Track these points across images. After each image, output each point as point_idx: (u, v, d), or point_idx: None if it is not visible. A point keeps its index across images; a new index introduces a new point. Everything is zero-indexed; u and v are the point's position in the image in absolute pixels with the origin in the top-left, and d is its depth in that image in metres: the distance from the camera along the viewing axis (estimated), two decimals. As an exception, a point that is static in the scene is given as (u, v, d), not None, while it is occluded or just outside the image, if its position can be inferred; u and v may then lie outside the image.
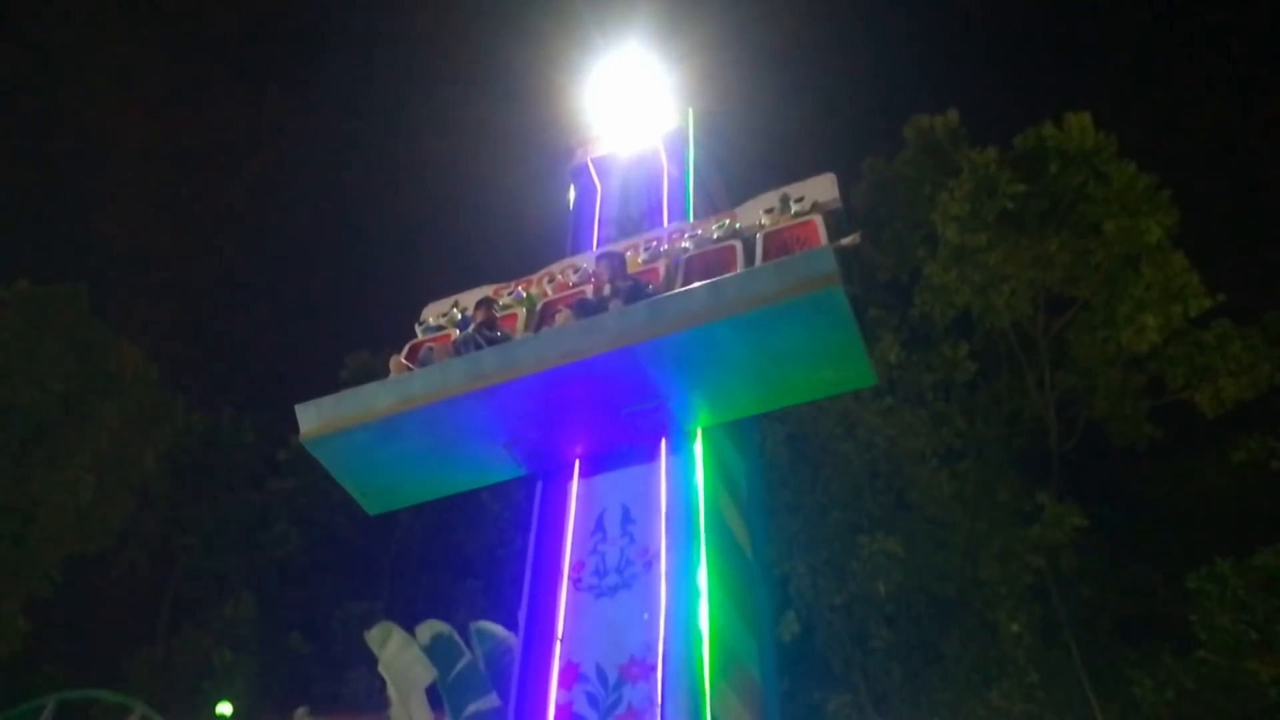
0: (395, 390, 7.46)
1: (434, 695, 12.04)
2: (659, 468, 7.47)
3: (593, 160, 11.10)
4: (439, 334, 8.82)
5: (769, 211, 8.37)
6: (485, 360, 7.29)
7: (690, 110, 11.16)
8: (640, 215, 10.32)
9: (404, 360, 8.00)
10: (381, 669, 12.40)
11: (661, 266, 8.39)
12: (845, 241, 7.39)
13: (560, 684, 6.84)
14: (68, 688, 18.23)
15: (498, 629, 12.09)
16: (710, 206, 10.78)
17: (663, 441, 7.53)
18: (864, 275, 19.72)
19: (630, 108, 11.45)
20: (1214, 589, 14.18)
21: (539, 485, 7.97)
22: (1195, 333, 17.73)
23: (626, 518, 7.38)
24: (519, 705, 7.05)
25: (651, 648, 6.73)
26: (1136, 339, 17.84)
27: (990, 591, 16.70)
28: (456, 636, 12.33)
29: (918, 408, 18.43)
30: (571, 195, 11.22)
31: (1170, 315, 17.48)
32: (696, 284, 7.23)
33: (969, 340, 19.43)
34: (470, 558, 24.09)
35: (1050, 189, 18.52)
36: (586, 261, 8.97)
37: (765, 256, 7.79)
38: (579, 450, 7.75)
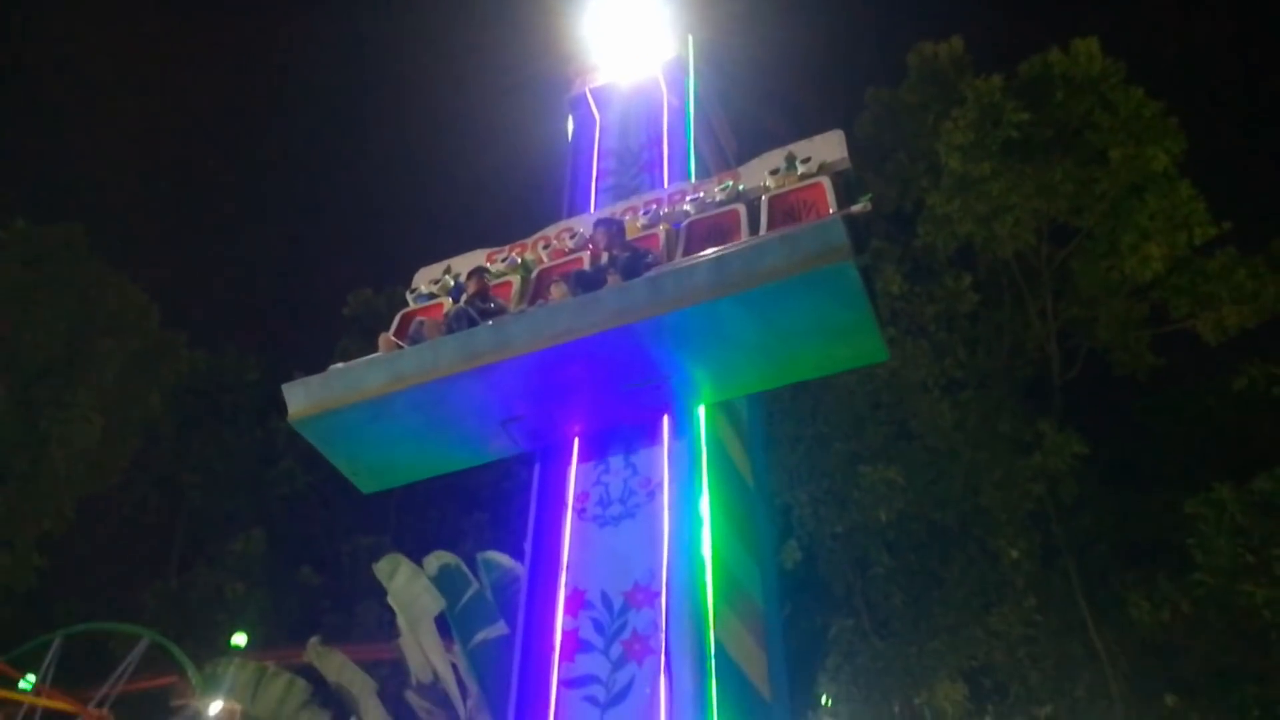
0: (385, 369, 7.18)
1: (443, 624, 12.29)
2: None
3: (591, 91, 10.91)
4: (431, 303, 8.54)
5: (774, 173, 7.99)
6: (478, 338, 7.00)
7: (690, 38, 10.96)
8: (639, 147, 10.16)
9: (393, 338, 7.63)
10: (390, 600, 12.66)
11: (661, 233, 8.04)
12: (855, 208, 6.97)
13: (566, 611, 6.96)
14: (81, 622, 18.62)
15: (504, 559, 12.29)
16: (713, 141, 10.57)
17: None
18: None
19: (629, 36, 11.23)
20: (1212, 514, 14.32)
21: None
22: (1199, 261, 17.68)
23: (629, 465, 7.38)
24: (526, 632, 7.15)
25: (655, 574, 6.84)
26: (1140, 268, 17.79)
27: (990, 519, 16.90)
28: (464, 567, 12.55)
29: (920, 339, 18.44)
30: (570, 126, 11.04)
31: (1175, 243, 17.40)
32: (699, 257, 6.91)
33: (972, 271, 19.36)
34: (476, 490, 24.34)
35: (1055, 117, 18.27)
36: (583, 225, 8.62)
37: (770, 222, 7.45)
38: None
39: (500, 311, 7.68)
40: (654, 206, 8.40)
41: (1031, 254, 19.30)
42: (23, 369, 20.79)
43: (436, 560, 12.61)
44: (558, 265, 8.28)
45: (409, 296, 8.73)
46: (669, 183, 9.32)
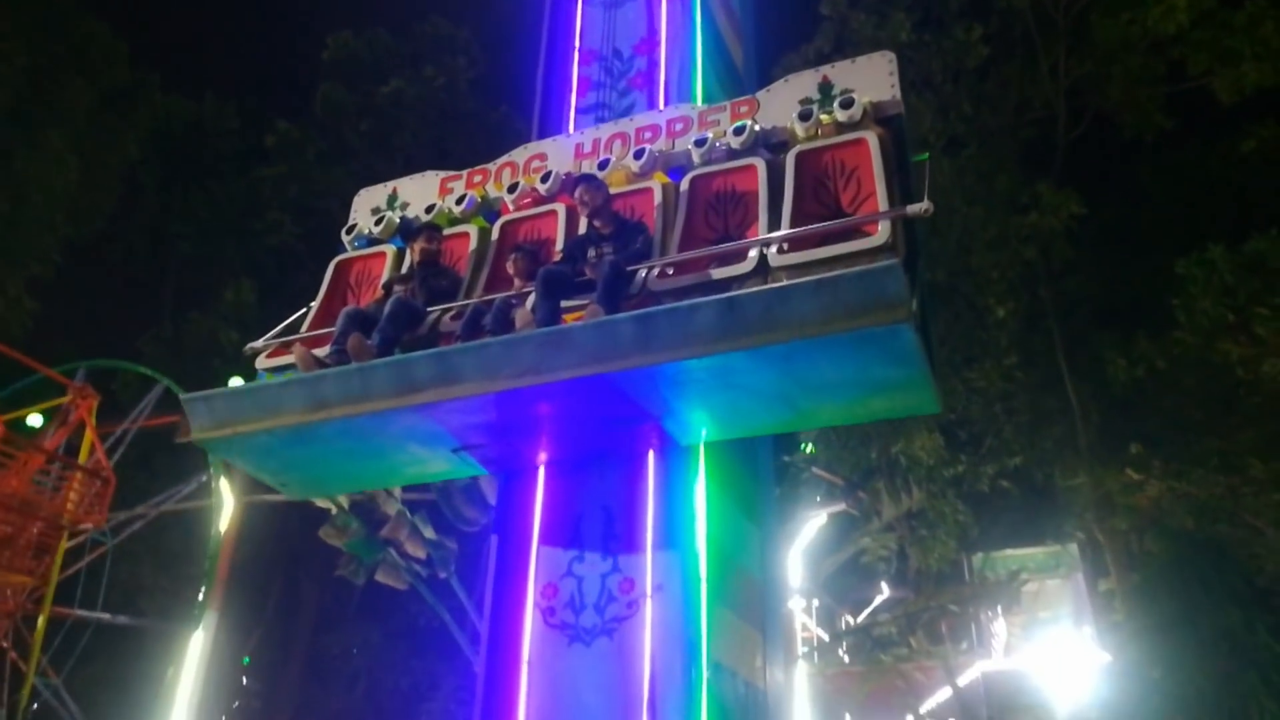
0: (304, 394, 5.73)
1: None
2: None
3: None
4: (372, 251, 7.10)
5: (805, 106, 6.19)
6: (417, 370, 5.50)
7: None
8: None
9: (313, 354, 6.02)
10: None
11: (656, 189, 6.35)
12: (915, 209, 5.20)
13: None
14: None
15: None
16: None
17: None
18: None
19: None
20: (1201, 274, 14.35)
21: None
22: (1226, 13, 16.83)
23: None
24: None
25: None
26: (1164, 20, 16.95)
27: (981, 278, 16.95)
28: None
29: (924, 92, 17.78)
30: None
31: (1202, -7, 16.51)
32: (702, 300, 5.08)
33: (983, 22, 18.41)
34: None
35: None
36: (557, 154, 6.99)
37: (798, 190, 5.76)
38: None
39: (451, 292, 6.32)
40: (649, 137, 6.70)
41: (1049, 2, 18.33)
42: (-10, 110, 20.05)
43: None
44: (524, 221, 6.74)
45: (345, 238, 7.23)
46: (666, 102, 7.52)
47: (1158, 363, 15.40)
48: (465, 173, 7.20)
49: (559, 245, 6.35)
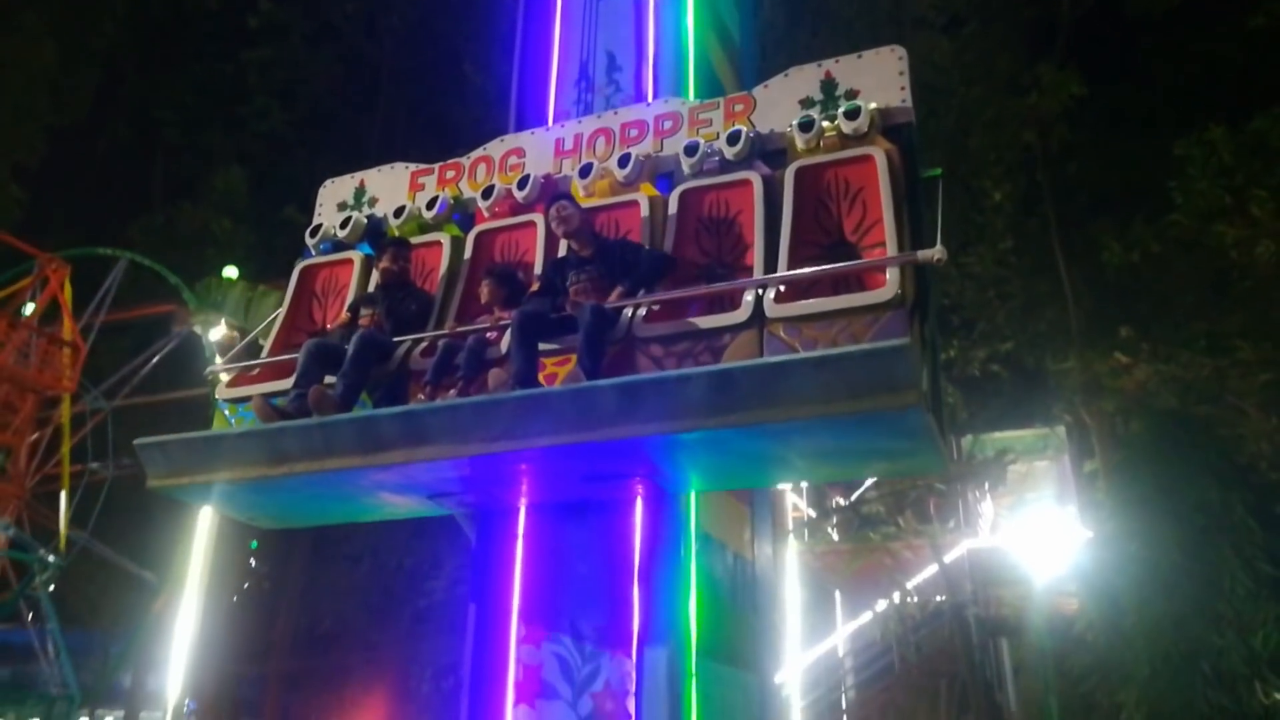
0: (263, 447, 5.32)
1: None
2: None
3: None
4: (338, 258, 6.60)
5: (806, 113, 5.60)
6: (383, 430, 5.11)
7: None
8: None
9: (271, 404, 5.53)
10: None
11: (644, 203, 5.80)
12: (926, 255, 4.66)
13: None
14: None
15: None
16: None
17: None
18: None
19: None
20: (1200, 154, 14.21)
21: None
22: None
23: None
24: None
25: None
26: (1174, -110, 16.31)
27: (978, 160, 16.78)
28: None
29: (927, -34, 17.26)
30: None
31: None
32: (692, 371, 4.68)
33: (992, -109, 17.72)
34: (455, 128, 23.81)
35: None
36: (535, 147, 6.46)
37: (798, 214, 5.23)
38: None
39: (421, 316, 5.88)
40: (635, 136, 6.14)
41: None
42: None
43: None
44: (501, 232, 6.23)
45: (310, 241, 6.69)
46: (654, 94, 6.80)
47: (1152, 246, 15.38)
48: (437, 167, 6.70)
49: (538, 259, 5.92)
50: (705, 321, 5.01)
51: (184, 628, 14.61)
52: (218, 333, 19.99)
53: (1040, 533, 12.41)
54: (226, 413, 6.03)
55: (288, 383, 5.60)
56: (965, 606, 17.24)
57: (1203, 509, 11.36)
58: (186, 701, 14.36)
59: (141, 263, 18.07)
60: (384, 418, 5.15)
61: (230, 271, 19.57)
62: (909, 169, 5.33)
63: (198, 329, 18.58)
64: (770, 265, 5.11)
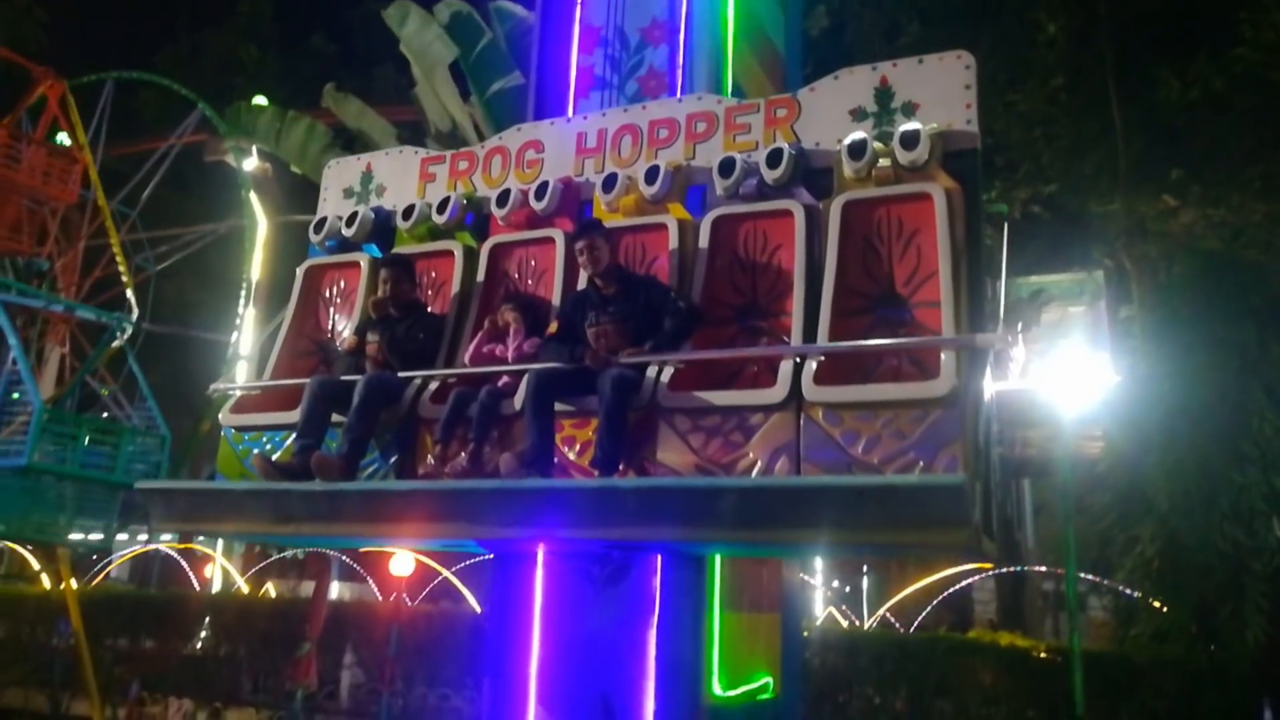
0: (267, 506, 5.16)
1: (458, 74, 12.15)
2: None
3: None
4: (345, 259, 6.23)
5: (856, 128, 4.97)
6: (388, 503, 4.91)
7: None
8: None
9: (273, 463, 5.27)
10: (403, 48, 12.38)
11: (673, 227, 5.25)
12: (987, 340, 4.19)
13: (580, 49, 6.59)
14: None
15: (517, 8, 11.79)
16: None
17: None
18: None
19: None
20: (1276, -19, 13.35)
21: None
22: None
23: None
24: (541, 73, 6.96)
25: (674, 11, 6.35)
26: None
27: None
28: (476, 16, 12.09)
29: None
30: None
31: None
32: (723, 483, 4.32)
33: None
34: None
35: None
36: (555, 141, 5.94)
37: (843, 258, 4.69)
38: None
39: (430, 349, 5.51)
40: (664, 137, 5.58)
41: None
42: None
43: (448, 8, 12.12)
44: (517, 246, 5.77)
45: (314, 237, 6.32)
46: (684, 89, 6.16)
47: (1214, 84, 14.66)
48: (449, 155, 6.28)
49: (556, 280, 5.51)
50: (738, 398, 4.60)
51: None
52: (251, 163, 19.96)
53: (1070, 376, 12.37)
54: (231, 440, 5.84)
55: (292, 415, 5.41)
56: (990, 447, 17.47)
57: (1239, 351, 11.25)
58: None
59: (172, 89, 17.80)
60: (392, 493, 4.98)
61: (259, 100, 19.32)
62: (971, 208, 4.66)
63: (230, 159, 18.50)
64: (810, 318, 4.62)
